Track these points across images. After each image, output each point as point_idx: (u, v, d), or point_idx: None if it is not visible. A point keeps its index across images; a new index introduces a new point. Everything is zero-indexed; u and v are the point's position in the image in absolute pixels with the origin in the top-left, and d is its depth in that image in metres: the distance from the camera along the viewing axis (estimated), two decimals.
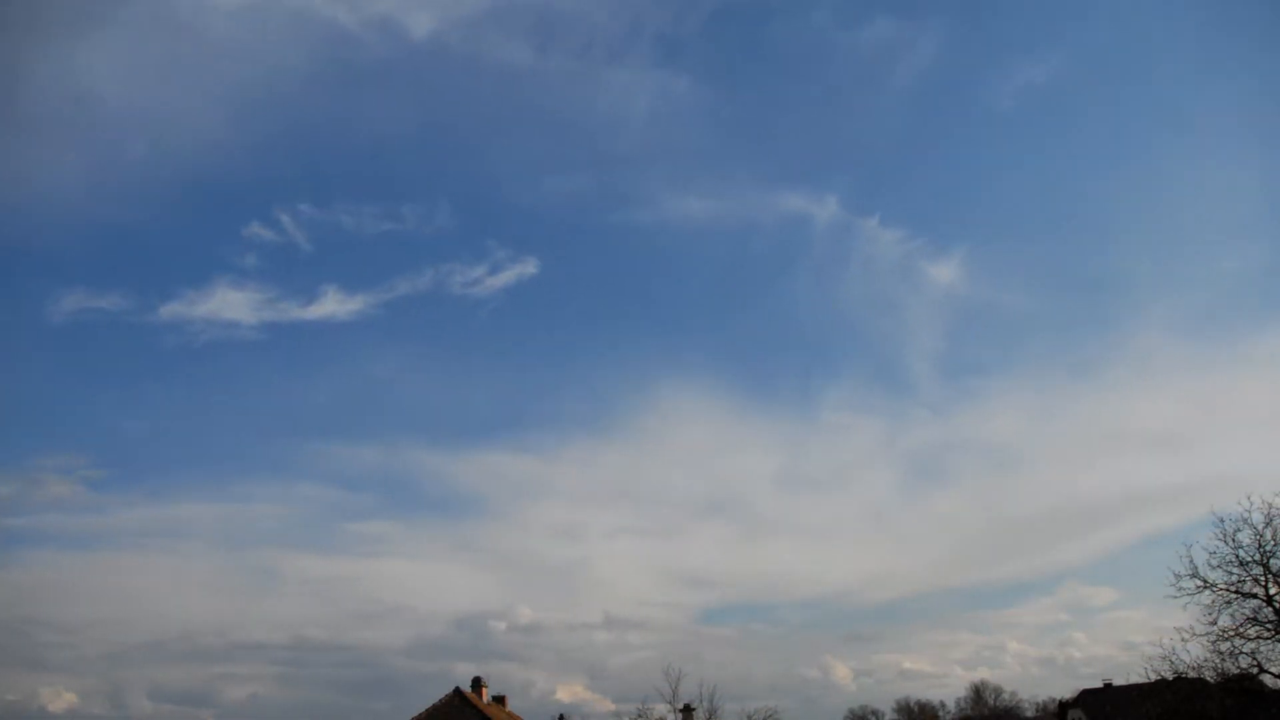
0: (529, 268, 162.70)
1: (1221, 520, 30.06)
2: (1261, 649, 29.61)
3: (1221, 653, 30.20)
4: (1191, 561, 30.45)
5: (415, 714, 39.07)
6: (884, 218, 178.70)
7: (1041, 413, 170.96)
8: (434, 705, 39.45)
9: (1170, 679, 33.71)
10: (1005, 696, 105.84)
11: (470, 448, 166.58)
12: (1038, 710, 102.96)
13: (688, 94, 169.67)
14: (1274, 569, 29.39)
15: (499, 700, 48.04)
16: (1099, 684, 74.92)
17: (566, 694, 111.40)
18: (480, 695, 42.98)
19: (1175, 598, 30.54)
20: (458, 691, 40.41)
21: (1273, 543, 29.32)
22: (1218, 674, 31.44)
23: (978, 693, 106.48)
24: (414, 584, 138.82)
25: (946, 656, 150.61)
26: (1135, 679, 51.08)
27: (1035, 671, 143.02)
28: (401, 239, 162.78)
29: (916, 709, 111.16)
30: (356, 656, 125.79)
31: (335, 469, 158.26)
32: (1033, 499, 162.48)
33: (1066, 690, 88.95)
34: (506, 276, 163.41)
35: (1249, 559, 29.62)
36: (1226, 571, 29.91)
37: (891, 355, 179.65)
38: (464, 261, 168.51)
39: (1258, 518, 29.51)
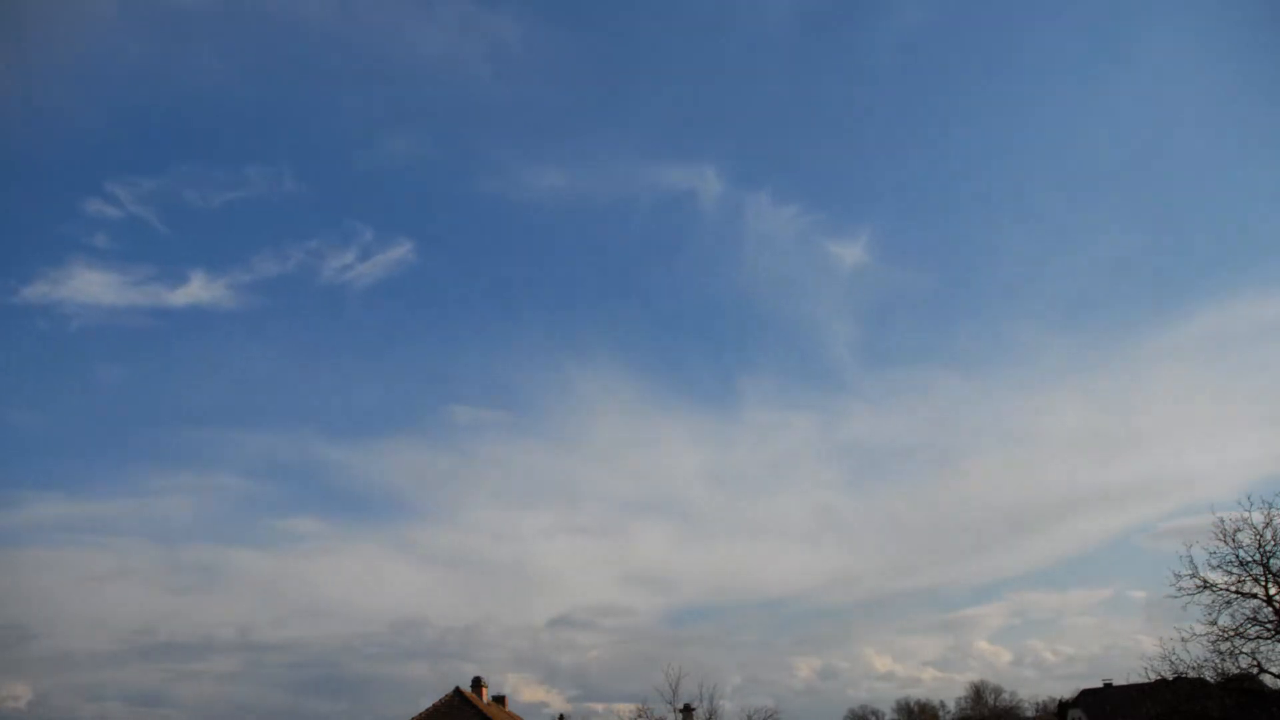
0: (403, 251, 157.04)
1: (1222, 520, 30.12)
2: (1261, 649, 29.65)
3: (1221, 653, 30.21)
4: (1191, 561, 30.53)
5: (415, 714, 39.10)
6: (775, 192, 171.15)
7: (976, 405, 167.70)
8: (434, 705, 39.46)
9: (1170, 679, 33.69)
10: (1005, 696, 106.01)
11: (375, 440, 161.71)
12: (1038, 710, 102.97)
13: (526, 40, 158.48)
14: (1274, 569, 29.41)
15: (499, 700, 48.10)
16: (1098, 683, 75.03)
17: (529, 694, 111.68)
18: (480, 695, 43.01)
19: (1175, 597, 30.64)
20: (458, 691, 40.42)
21: (1273, 543, 29.35)
22: (1218, 674, 31.41)
23: (978, 693, 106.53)
24: (352, 582, 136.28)
25: (914, 656, 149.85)
26: (1135, 679, 51.10)
27: (1010, 673, 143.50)
28: (252, 209, 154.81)
29: (916, 709, 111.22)
30: (307, 655, 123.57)
31: (243, 460, 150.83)
32: (981, 497, 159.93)
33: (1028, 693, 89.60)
34: (381, 261, 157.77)
35: (1249, 559, 29.65)
36: (1226, 571, 29.95)
37: (811, 344, 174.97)
38: (330, 242, 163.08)
39: (1258, 518, 29.59)
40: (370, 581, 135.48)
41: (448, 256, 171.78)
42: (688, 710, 41.71)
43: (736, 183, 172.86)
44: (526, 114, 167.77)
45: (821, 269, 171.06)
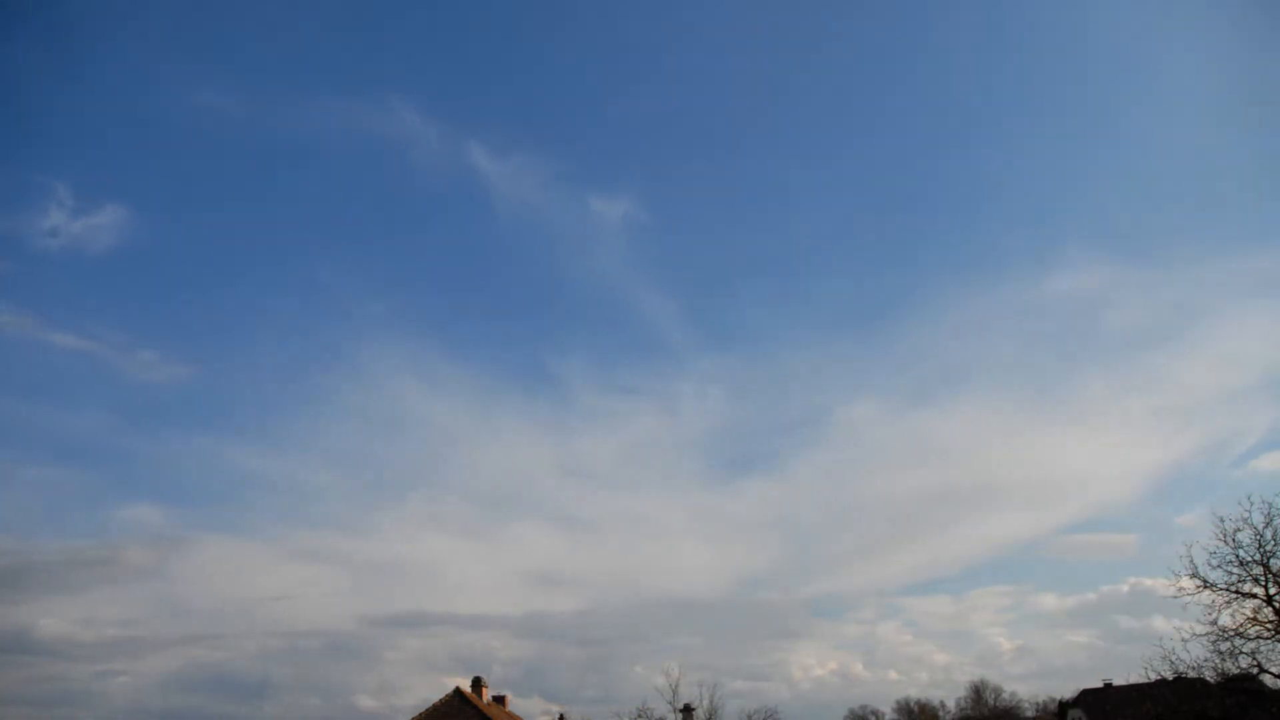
0: (113, 215, 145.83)
1: (1222, 520, 30.13)
2: (1261, 649, 29.62)
3: (1221, 653, 30.21)
4: (1191, 561, 30.53)
5: (415, 714, 39.08)
6: (489, 139, 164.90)
7: (843, 384, 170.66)
8: (434, 705, 39.45)
9: (1170, 679, 33.67)
10: (1005, 696, 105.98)
11: (175, 430, 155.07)
12: (1037, 710, 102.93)
13: None
14: (1274, 569, 29.39)
15: (499, 700, 48.07)
16: (1097, 683, 75.05)
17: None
18: (480, 695, 42.99)
19: (1175, 597, 30.65)
20: (457, 691, 40.41)
21: (1273, 543, 29.33)
22: (1218, 674, 31.42)
23: (977, 693, 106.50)
24: (238, 583, 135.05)
25: (829, 654, 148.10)
26: (1135, 679, 51.14)
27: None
28: None
29: (916, 709, 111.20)
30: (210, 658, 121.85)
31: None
32: (873, 489, 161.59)
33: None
34: (90, 225, 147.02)
35: (1249, 559, 29.63)
36: (1226, 571, 29.94)
37: (629, 317, 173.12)
38: (27, 208, 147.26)
39: (1258, 518, 29.58)
40: (252, 582, 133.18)
41: (169, 219, 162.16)
42: (688, 710, 41.76)
43: (443, 122, 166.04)
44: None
45: (595, 230, 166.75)
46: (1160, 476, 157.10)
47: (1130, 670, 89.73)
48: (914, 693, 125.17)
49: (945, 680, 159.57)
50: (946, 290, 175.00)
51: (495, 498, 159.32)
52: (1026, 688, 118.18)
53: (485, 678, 44.10)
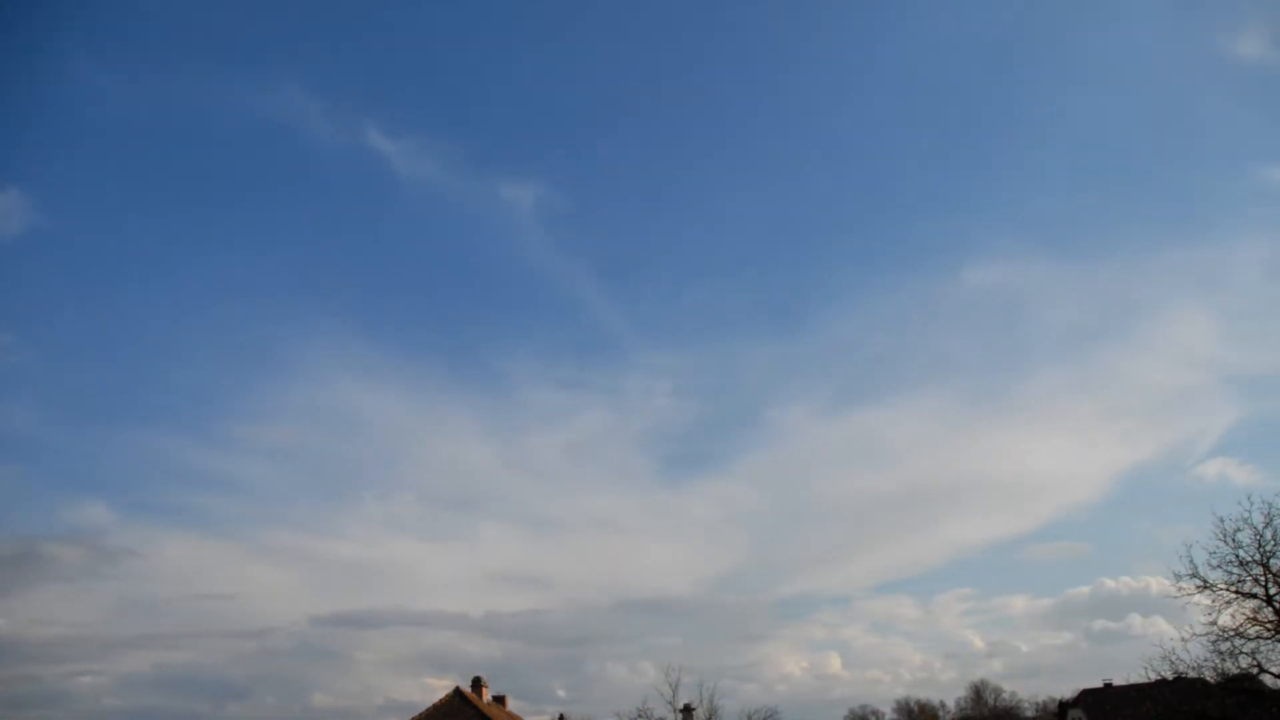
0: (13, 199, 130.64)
1: (1222, 520, 30.10)
2: (1261, 649, 29.61)
3: (1221, 653, 30.18)
4: (1191, 561, 30.52)
5: (416, 714, 39.10)
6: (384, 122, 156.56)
7: (771, 382, 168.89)
8: (434, 705, 39.46)
9: (1170, 678, 33.68)
10: (1005, 696, 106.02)
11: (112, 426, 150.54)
12: (1037, 710, 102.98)
13: None
14: (1274, 569, 29.39)
15: (499, 700, 48.06)
16: (1097, 683, 75.03)
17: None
18: (480, 695, 42.99)
19: (1175, 598, 30.66)
20: (458, 691, 40.41)
21: (1273, 543, 29.32)
22: (1218, 674, 31.41)
23: (977, 693, 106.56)
24: (195, 583, 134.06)
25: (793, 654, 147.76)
26: (1135, 679, 51.11)
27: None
28: None
29: (916, 709, 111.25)
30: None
31: None
32: (820, 491, 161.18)
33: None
34: None
35: (1249, 559, 29.61)
36: (1226, 571, 29.92)
37: (561, 306, 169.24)
38: None
39: (1258, 518, 29.57)
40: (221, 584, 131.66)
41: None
42: (688, 710, 41.77)
43: (326, 101, 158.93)
44: None
45: (503, 217, 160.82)
46: (1119, 478, 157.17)
47: (1127, 670, 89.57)
48: (900, 692, 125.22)
49: (929, 680, 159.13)
50: (865, 282, 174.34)
51: (451, 497, 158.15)
52: (1011, 686, 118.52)
53: (455, 675, 43.95)
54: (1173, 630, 30.15)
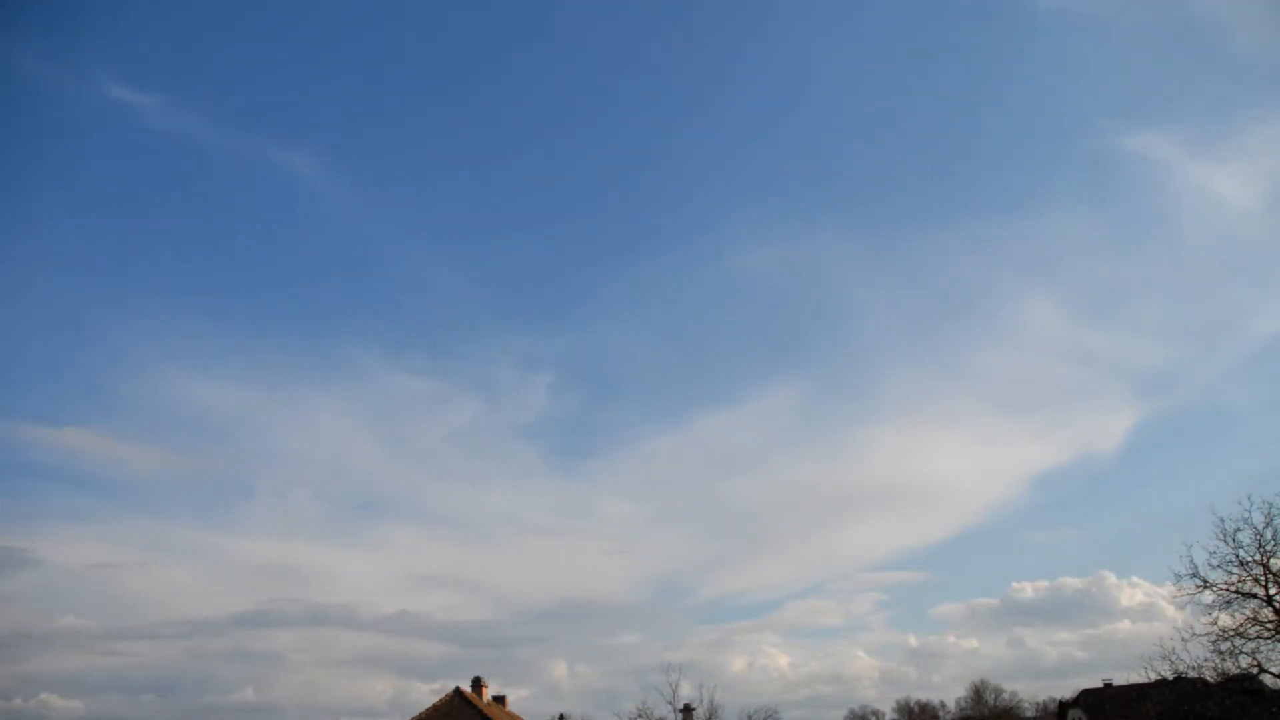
0: None
1: (1222, 520, 30.12)
2: (1261, 649, 29.67)
3: (1221, 653, 30.20)
4: (1191, 561, 30.55)
5: (416, 714, 39.07)
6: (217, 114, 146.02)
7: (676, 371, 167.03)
8: (434, 705, 39.42)
9: (1170, 678, 33.69)
10: (1005, 696, 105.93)
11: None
12: (1038, 710, 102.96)
13: None
14: (1274, 569, 29.43)
15: (499, 700, 48.04)
16: (1097, 683, 75.07)
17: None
18: (480, 695, 42.96)
19: (1175, 597, 30.69)
20: (458, 691, 40.37)
21: (1273, 543, 29.36)
22: (1218, 674, 31.41)
23: (977, 693, 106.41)
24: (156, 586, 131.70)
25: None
26: (1135, 679, 51.10)
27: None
28: None
29: (916, 709, 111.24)
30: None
31: None
32: (755, 493, 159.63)
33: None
34: None
35: (1249, 559, 29.66)
36: (1226, 571, 29.98)
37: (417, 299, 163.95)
38: None
39: (1258, 518, 29.59)
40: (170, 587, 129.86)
41: None
42: (688, 710, 41.74)
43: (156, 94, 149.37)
44: None
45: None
46: (1029, 478, 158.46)
47: (1129, 670, 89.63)
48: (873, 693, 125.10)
49: (881, 680, 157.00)
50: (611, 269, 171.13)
51: (351, 496, 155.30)
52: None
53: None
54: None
